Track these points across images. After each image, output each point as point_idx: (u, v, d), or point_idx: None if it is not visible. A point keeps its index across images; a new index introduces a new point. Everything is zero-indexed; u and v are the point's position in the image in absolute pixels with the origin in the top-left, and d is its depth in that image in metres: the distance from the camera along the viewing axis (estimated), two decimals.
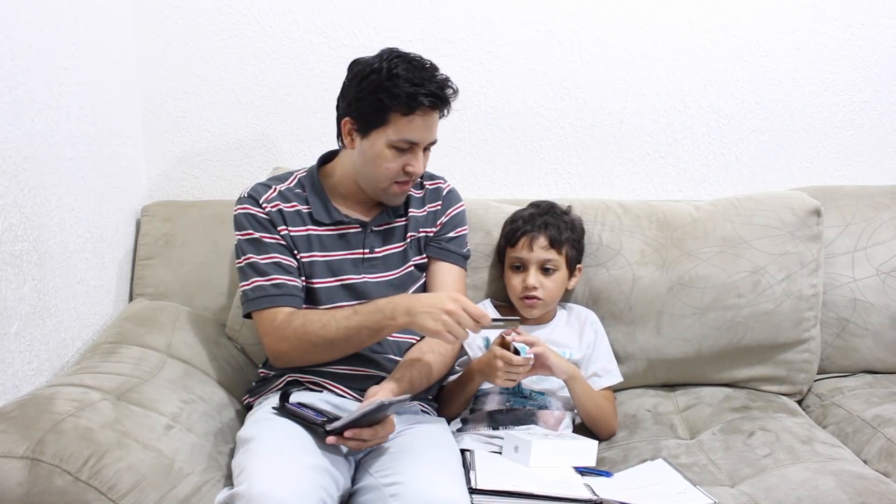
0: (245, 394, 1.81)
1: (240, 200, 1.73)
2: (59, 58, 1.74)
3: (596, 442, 1.68)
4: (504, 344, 1.67)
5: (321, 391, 1.69)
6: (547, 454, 1.60)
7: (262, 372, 1.81)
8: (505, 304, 1.93)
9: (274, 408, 1.57)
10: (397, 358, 1.72)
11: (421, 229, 1.80)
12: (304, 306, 1.70)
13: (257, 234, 1.69)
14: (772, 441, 1.72)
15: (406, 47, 1.68)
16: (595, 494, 1.48)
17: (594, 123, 2.28)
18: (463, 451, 1.63)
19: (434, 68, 1.64)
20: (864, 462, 1.70)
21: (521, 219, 1.89)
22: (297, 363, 1.68)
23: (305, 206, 1.73)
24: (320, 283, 1.71)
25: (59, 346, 1.71)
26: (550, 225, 1.85)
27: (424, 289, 1.81)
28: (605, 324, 1.95)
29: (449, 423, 1.77)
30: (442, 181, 1.88)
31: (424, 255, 1.81)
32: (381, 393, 1.56)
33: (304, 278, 1.71)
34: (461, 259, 1.84)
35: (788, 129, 2.31)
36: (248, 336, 1.98)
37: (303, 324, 1.62)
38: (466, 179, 2.26)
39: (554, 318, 1.92)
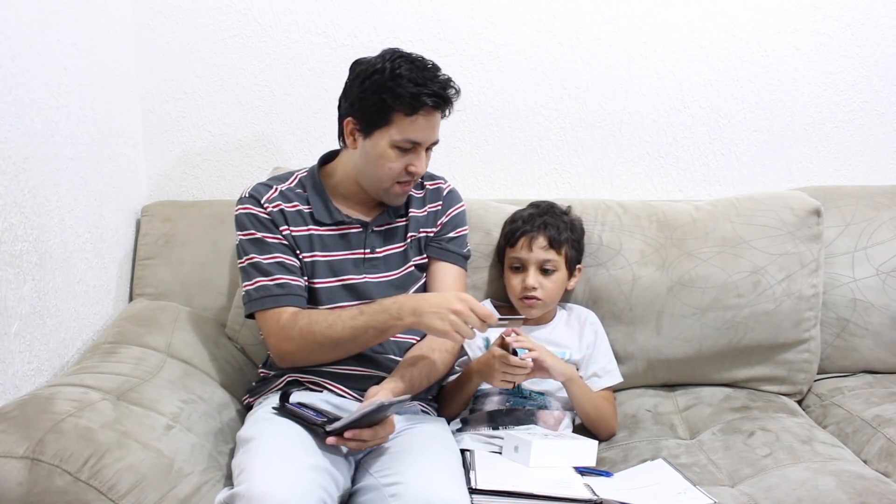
0: (245, 394, 1.81)
1: (241, 200, 1.73)
2: (59, 58, 1.74)
3: (596, 442, 1.68)
4: (503, 345, 1.67)
5: (321, 391, 1.69)
6: (547, 454, 1.60)
7: (262, 372, 1.81)
8: (505, 304, 1.93)
9: (274, 408, 1.57)
10: (398, 358, 1.72)
11: (421, 229, 1.80)
12: (307, 306, 1.70)
13: (259, 234, 1.69)
14: (772, 441, 1.72)
15: (406, 47, 1.68)
16: (595, 494, 1.48)
17: (594, 123, 2.28)
18: (463, 451, 1.63)
19: (436, 68, 1.64)
20: (864, 462, 1.70)
21: (521, 219, 1.89)
22: (302, 363, 1.68)
23: (306, 206, 1.73)
24: (321, 283, 1.71)
25: (59, 346, 1.71)
26: (550, 225, 1.85)
27: (424, 289, 1.81)
28: (605, 324, 1.95)
29: (449, 423, 1.77)
30: (442, 181, 1.88)
31: (425, 256, 1.81)
32: (381, 393, 1.56)
33: (306, 278, 1.71)
34: (461, 259, 1.84)
35: (788, 129, 2.31)
36: (248, 336, 1.98)
37: (308, 323, 1.62)
38: (466, 179, 2.26)
39: (554, 318, 1.92)
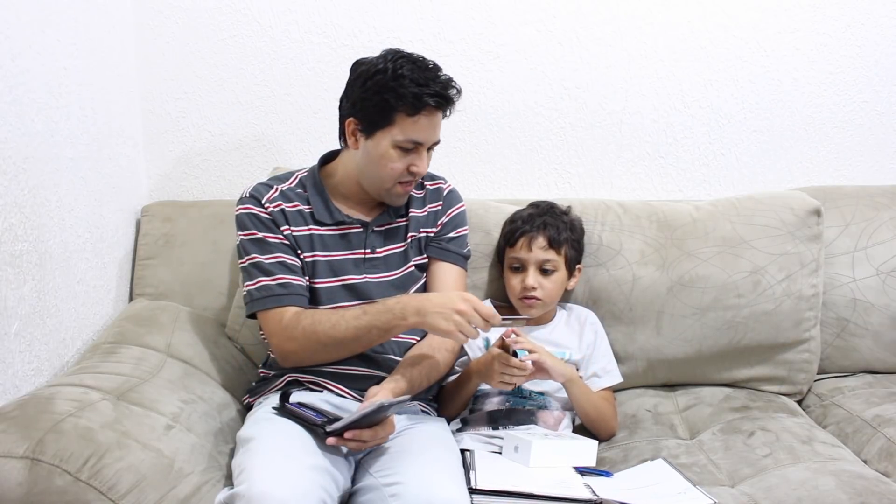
0: (245, 394, 1.81)
1: (241, 200, 1.73)
2: (59, 58, 1.74)
3: (596, 442, 1.68)
4: (504, 346, 1.67)
5: (321, 391, 1.69)
6: (547, 454, 1.60)
7: (262, 372, 1.81)
8: (505, 304, 1.93)
9: (274, 408, 1.58)
10: (398, 358, 1.72)
11: (421, 229, 1.80)
12: (309, 306, 1.70)
13: (261, 234, 1.69)
14: (772, 441, 1.72)
15: (406, 47, 1.69)
16: (595, 494, 1.48)
17: (594, 123, 2.28)
18: (463, 451, 1.63)
19: (438, 68, 1.65)
20: (864, 462, 1.70)
21: (521, 219, 1.89)
22: (305, 363, 1.68)
23: (307, 206, 1.73)
24: (321, 282, 1.71)
25: (59, 346, 1.71)
26: (549, 225, 1.85)
27: (425, 289, 1.81)
28: (605, 324, 1.95)
29: (449, 423, 1.77)
30: (442, 181, 1.88)
31: (425, 256, 1.81)
32: (381, 393, 1.56)
33: (307, 277, 1.71)
34: (461, 259, 1.84)
35: (788, 129, 2.31)
36: (248, 336, 1.98)
37: (311, 323, 1.62)
38: (466, 179, 2.26)
39: (554, 318, 1.92)
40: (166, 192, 2.26)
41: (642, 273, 1.97)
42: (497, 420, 1.78)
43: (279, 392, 1.62)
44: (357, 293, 1.72)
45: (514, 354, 1.66)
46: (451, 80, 1.65)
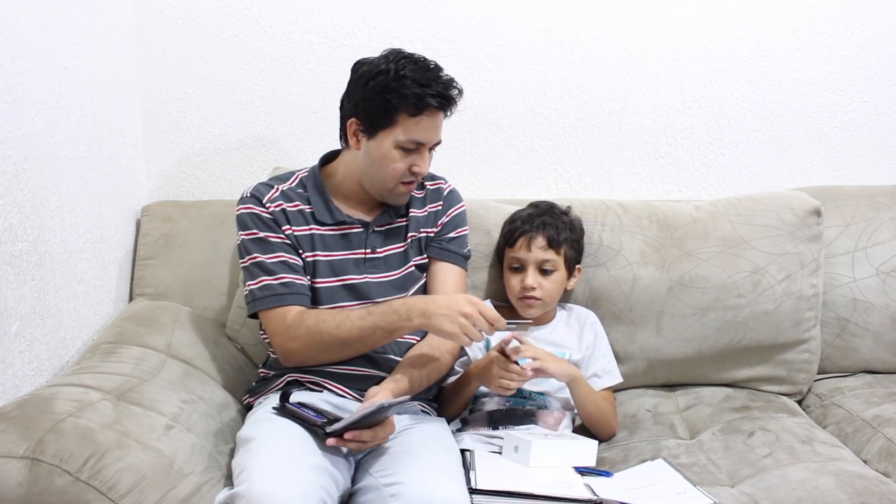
0: (245, 394, 1.81)
1: (242, 200, 1.73)
2: (59, 58, 1.74)
3: (596, 442, 1.68)
4: (503, 350, 1.67)
5: (321, 391, 1.69)
6: (547, 454, 1.60)
7: (262, 372, 1.81)
8: (505, 304, 1.93)
9: (274, 408, 1.58)
10: (398, 358, 1.72)
11: (422, 229, 1.80)
12: (311, 306, 1.70)
13: (262, 234, 1.69)
14: (772, 441, 1.72)
15: (406, 47, 1.69)
16: (595, 494, 1.48)
17: (594, 123, 2.28)
18: (463, 451, 1.62)
19: (439, 69, 1.65)
20: (864, 462, 1.70)
21: (520, 219, 1.89)
22: (308, 363, 1.68)
23: (308, 206, 1.73)
24: (322, 282, 1.72)
25: (59, 346, 1.71)
26: (549, 225, 1.85)
27: (425, 289, 1.81)
28: (605, 324, 1.95)
29: (449, 424, 1.77)
30: (443, 181, 1.88)
31: (425, 256, 1.81)
32: (381, 394, 1.56)
33: (308, 277, 1.71)
34: (462, 259, 1.84)
35: (788, 129, 2.31)
36: (248, 336, 1.98)
37: (315, 323, 1.62)
38: (466, 179, 2.26)
39: (554, 318, 1.92)
40: (166, 192, 2.26)
41: (642, 273, 1.97)
42: (497, 420, 1.78)
43: (279, 392, 1.62)
44: (357, 293, 1.72)
45: (515, 361, 1.66)
46: (452, 80, 1.65)
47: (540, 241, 1.83)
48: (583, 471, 1.62)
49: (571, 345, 1.88)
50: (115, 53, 2.06)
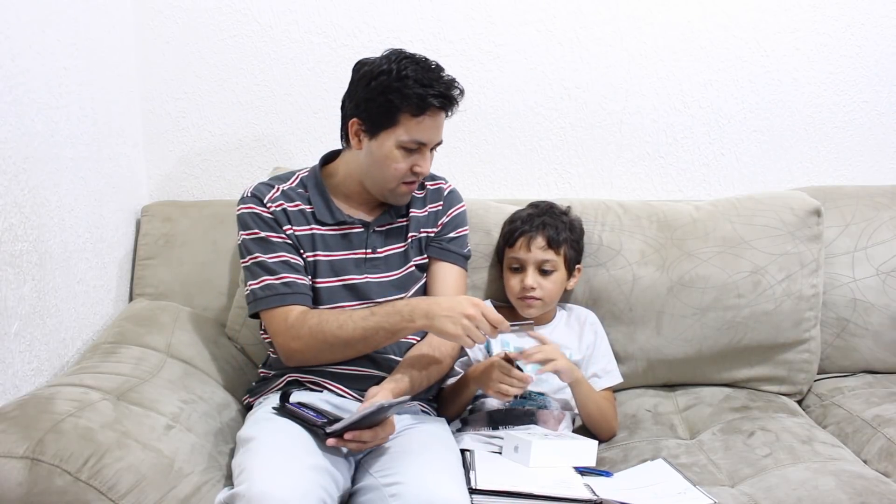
0: (245, 394, 1.81)
1: (243, 200, 1.73)
2: (59, 58, 1.74)
3: (596, 442, 1.68)
4: (507, 357, 1.67)
5: (321, 391, 1.69)
6: (547, 454, 1.60)
7: (262, 372, 1.81)
8: (505, 304, 1.93)
9: (274, 408, 1.58)
10: (398, 358, 1.72)
11: (422, 229, 1.81)
12: (313, 305, 1.70)
13: (264, 234, 1.69)
14: (772, 441, 1.72)
15: (406, 47, 1.69)
16: (595, 494, 1.48)
17: (594, 123, 2.28)
18: (463, 451, 1.62)
19: (440, 69, 1.65)
20: (864, 462, 1.70)
21: (520, 219, 1.89)
22: (310, 362, 1.68)
23: (308, 206, 1.73)
24: (322, 282, 1.72)
25: (59, 346, 1.71)
26: (548, 225, 1.85)
27: (425, 289, 1.81)
28: (605, 324, 1.95)
29: (449, 424, 1.77)
30: (443, 182, 1.88)
31: (425, 256, 1.81)
32: (381, 394, 1.56)
33: (309, 277, 1.71)
34: (462, 259, 1.84)
35: (788, 129, 2.31)
36: (248, 336, 1.98)
37: (318, 323, 1.62)
38: (466, 179, 2.26)
39: (554, 318, 1.92)
40: (166, 192, 2.26)
41: (642, 273, 1.97)
42: (497, 420, 1.78)
43: (279, 392, 1.62)
44: (358, 293, 1.72)
45: (518, 367, 1.65)
46: (454, 80, 1.65)
47: (540, 241, 1.83)
48: (583, 471, 1.62)
49: (571, 345, 1.88)
50: (115, 53, 2.06)
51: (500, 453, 1.66)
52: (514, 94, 2.26)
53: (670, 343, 1.98)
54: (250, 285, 1.69)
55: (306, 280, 1.70)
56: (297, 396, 1.60)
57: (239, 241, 1.72)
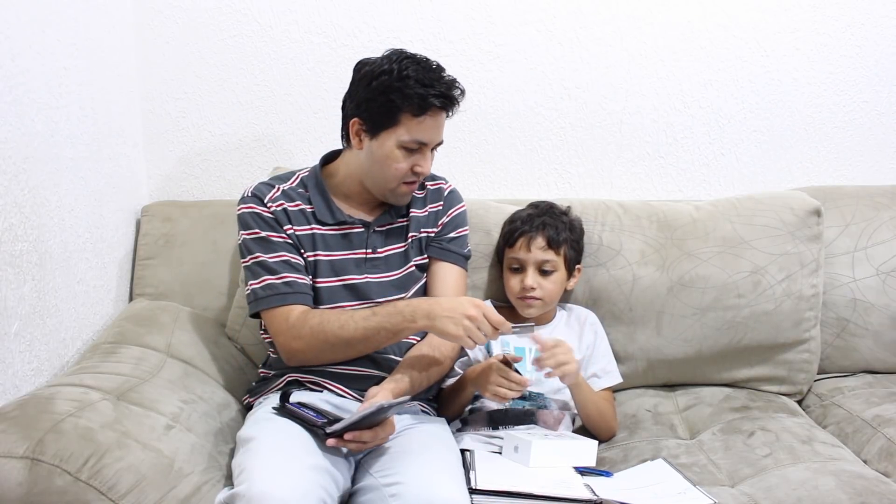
0: (245, 394, 1.81)
1: (243, 200, 1.73)
2: (59, 58, 1.74)
3: (596, 442, 1.68)
4: (506, 359, 1.67)
5: (321, 391, 1.69)
6: (547, 454, 1.60)
7: (262, 372, 1.81)
8: (505, 304, 1.93)
9: (274, 408, 1.58)
10: (398, 358, 1.72)
11: (422, 229, 1.81)
12: (314, 305, 1.70)
13: (264, 233, 1.69)
14: (772, 441, 1.72)
15: (406, 47, 1.69)
16: (595, 494, 1.48)
17: (594, 123, 2.28)
18: (463, 451, 1.62)
19: (441, 69, 1.65)
20: (864, 462, 1.70)
21: (520, 219, 1.88)
22: (311, 362, 1.68)
23: (309, 206, 1.73)
24: (323, 282, 1.72)
25: (59, 346, 1.71)
26: (548, 225, 1.85)
27: (425, 289, 1.81)
28: (605, 324, 1.95)
29: (449, 424, 1.77)
30: (443, 182, 1.88)
31: (425, 256, 1.81)
32: (381, 394, 1.56)
33: (310, 277, 1.71)
34: (462, 259, 1.84)
35: (788, 129, 2.31)
36: (248, 336, 1.98)
37: (319, 323, 1.63)
38: (466, 179, 2.26)
39: (554, 318, 1.92)
40: (166, 192, 2.26)
41: (642, 273, 1.97)
42: (497, 420, 1.78)
43: (279, 392, 1.62)
44: (358, 293, 1.72)
45: (516, 370, 1.65)
46: (455, 80, 1.65)
47: (540, 241, 1.83)
48: (583, 471, 1.62)
49: (571, 345, 1.87)
50: (115, 53, 2.06)
51: (500, 453, 1.66)
52: (514, 94, 2.26)
53: (670, 343, 1.98)
54: (251, 285, 1.69)
55: (307, 280, 1.70)
56: (297, 396, 1.60)
57: (239, 241, 1.72)
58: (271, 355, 1.79)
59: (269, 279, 1.67)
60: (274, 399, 1.61)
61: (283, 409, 1.56)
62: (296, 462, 1.41)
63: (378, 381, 1.64)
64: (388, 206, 1.77)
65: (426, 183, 1.85)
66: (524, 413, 1.79)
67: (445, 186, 1.87)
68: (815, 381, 2.06)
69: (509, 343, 1.82)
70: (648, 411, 1.92)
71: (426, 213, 1.82)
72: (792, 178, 2.32)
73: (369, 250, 1.74)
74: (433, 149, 1.70)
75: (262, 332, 1.79)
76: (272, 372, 1.77)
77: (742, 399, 1.95)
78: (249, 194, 1.73)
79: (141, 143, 2.22)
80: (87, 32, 1.89)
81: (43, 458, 1.29)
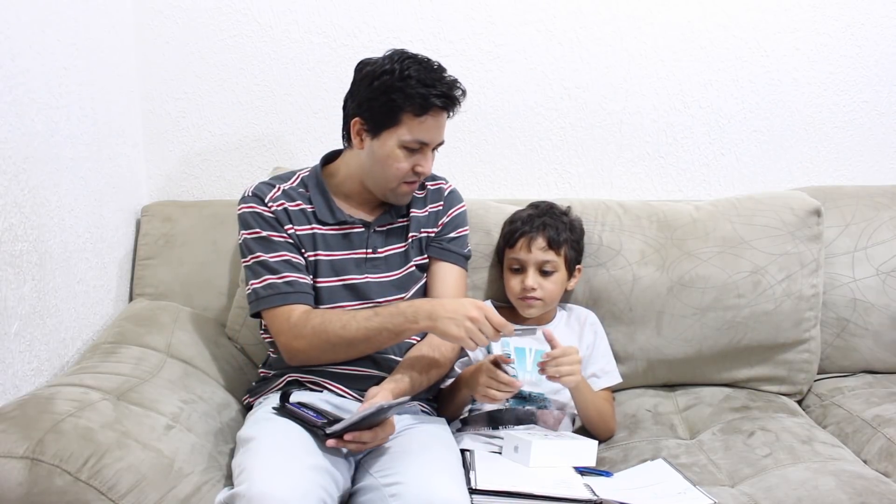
0: (245, 394, 1.81)
1: (244, 199, 1.73)
2: (59, 58, 1.74)
3: (596, 442, 1.68)
4: (496, 361, 1.66)
5: (321, 391, 1.69)
6: (547, 454, 1.60)
7: (262, 372, 1.81)
8: (505, 304, 1.93)
9: (274, 408, 1.58)
10: (398, 358, 1.72)
11: (422, 229, 1.81)
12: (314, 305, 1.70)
13: (265, 233, 1.69)
14: (772, 441, 1.72)
15: (406, 47, 1.69)
16: (595, 494, 1.48)
17: (594, 123, 2.28)
18: (463, 451, 1.62)
19: (442, 69, 1.66)
20: (864, 462, 1.70)
21: (520, 220, 1.88)
22: (313, 362, 1.68)
23: (309, 206, 1.73)
24: (323, 282, 1.72)
25: (59, 346, 1.71)
26: (549, 226, 1.85)
27: (425, 289, 1.81)
28: (605, 324, 1.95)
29: (449, 424, 1.77)
30: (444, 182, 1.88)
31: (426, 256, 1.82)
32: (381, 394, 1.56)
33: (311, 276, 1.71)
34: (462, 259, 1.84)
35: (788, 129, 2.31)
36: (248, 336, 1.98)
37: (321, 322, 1.63)
38: (466, 179, 2.26)
39: (554, 318, 1.92)
40: (166, 192, 2.26)
41: (642, 273, 1.97)
42: (497, 420, 1.78)
43: (279, 392, 1.62)
44: (358, 293, 1.72)
45: (506, 371, 1.65)
46: (456, 80, 1.66)
47: (540, 241, 1.83)
48: (583, 471, 1.62)
49: (571, 345, 1.88)
50: (115, 53, 2.06)
51: (500, 453, 1.66)
52: (514, 94, 2.26)
53: (670, 343, 1.98)
54: (252, 284, 1.69)
55: (308, 279, 1.70)
56: (297, 396, 1.60)
57: (240, 241, 1.72)
58: (271, 355, 1.79)
59: (271, 279, 1.67)
60: (274, 399, 1.61)
61: (283, 409, 1.56)
62: (296, 462, 1.41)
63: (378, 381, 1.64)
64: (388, 206, 1.77)
65: (426, 183, 1.85)
66: (524, 413, 1.79)
67: (446, 186, 1.87)
68: (815, 381, 2.06)
69: (509, 343, 1.82)
70: (648, 411, 1.92)
71: (426, 213, 1.82)
72: (792, 178, 2.32)
73: (369, 250, 1.74)
74: (434, 149, 1.70)
75: (262, 332, 1.79)
76: (272, 372, 1.77)
77: (742, 399, 1.95)
78: (250, 194, 1.73)
79: (141, 143, 2.22)
80: (87, 32, 1.89)
81: (43, 458, 1.29)
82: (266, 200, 1.71)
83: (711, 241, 1.98)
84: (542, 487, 1.47)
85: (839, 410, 1.92)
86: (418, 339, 1.76)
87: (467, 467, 1.55)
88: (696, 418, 1.89)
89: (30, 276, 1.59)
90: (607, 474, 1.64)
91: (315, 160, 1.81)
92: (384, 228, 1.77)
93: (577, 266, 1.92)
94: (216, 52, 2.20)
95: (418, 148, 1.66)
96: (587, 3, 2.21)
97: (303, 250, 1.71)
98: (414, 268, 1.80)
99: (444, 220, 1.83)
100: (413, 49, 1.68)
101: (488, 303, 1.94)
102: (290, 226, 1.70)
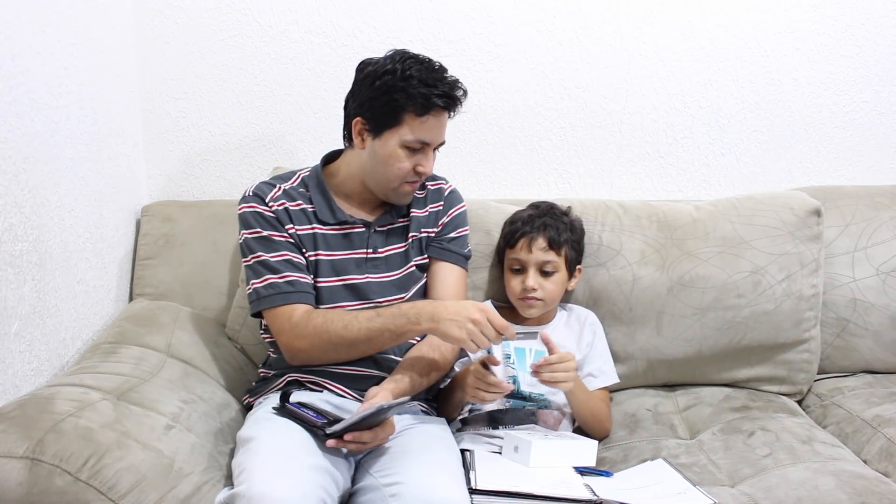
0: (245, 394, 1.81)
1: (245, 199, 1.73)
2: (59, 58, 1.74)
3: (596, 442, 1.68)
4: (484, 362, 1.66)
5: (321, 391, 1.69)
6: (547, 454, 1.60)
7: (262, 372, 1.81)
8: (505, 304, 1.93)
9: (274, 408, 1.58)
10: (398, 358, 1.72)
11: (423, 229, 1.81)
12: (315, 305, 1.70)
13: (266, 232, 1.69)
14: (772, 441, 1.72)
15: (406, 47, 1.69)
16: (595, 494, 1.48)
17: (594, 123, 2.28)
18: (463, 451, 1.62)
19: (444, 69, 1.66)
20: (864, 462, 1.70)
21: (521, 220, 1.88)
22: (314, 362, 1.68)
23: (310, 206, 1.73)
24: (323, 282, 1.72)
25: (59, 346, 1.71)
26: (549, 226, 1.85)
27: (425, 289, 1.81)
28: (605, 324, 1.95)
29: (449, 424, 1.77)
30: (444, 182, 1.88)
31: (426, 256, 1.82)
32: (380, 394, 1.56)
33: (312, 276, 1.71)
34: (462, 259, 1.84)
35: (788, 129, 2.31)
36: (248, 336, 1.98)
37: (323, 322, 1.63)
38: (466, 179, 2.26)
39: (554, 318, 1.92)
40: (166, 192, 2.26)
41: (642, 273, 1.97)
42: (497, 420, 1.78)
43: (279, 392, 1.62)
44: (358, 293, 1.72)
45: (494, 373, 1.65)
46: (457, 80, 1.66)
47: (541, 242, 1.83)
48: (583, 471, 1.62)
49: (571, 345, 1.88)
50: (115, 53, 2.06)
51: (500, 453, 1.66)
52: (514, 94, 2.26)
53: (670, 343, 1.98)
54: (253, 284, 1.69)
55: (309, 279, 1.70)
56: (297, 396, 1.60)
57: (241, 240, 1.72)
58: (271, 355, 1.79)
59: (272, 278, 1.67)
60: (274, 399, 1.61)
61: (283, 409, 1.56)
62: (296, 462, 1.41)
63: (378, 381, 1.64)
64: (388, 205, 1.77)
65: (427, 183, 1.85)
66: (524, 413, 1.79)
67: (446, 186, 1.87)
68: (815, 381, 2.06)
69: (510, 344, 1.82)
70: (648, 411, 1.92)
71: (427, 213, 1.82)
72: (792, 178, 2.33)
73: (370, 250, 1.74)
74: (436, 149, 1.71)
75: (262, 331, 1.79)
76: (272, 372, 1.77)
77: (742, 399, 1.95)
78: (251, 193, 1.73)
79: (141, 143, 2.22)
80: (87, 32, 1.89)
81: (43, 458, 1.29)
82: (267, 200, 1.71)
83: (711, 241, 1.98)
84: (542, 487, 1.48)
85: (839, 410, 1.92)
86: (418, 339, 1.76)
87: (467, 467, 1.55)
88: (696, 418, 1.89)
89: (30, 276, 1.59)
90: (607, 474, 1.64)
91: (315, 160, 1.81)
92: (384, 228, 1.77)
93: (578, 266, 1.92)
94: (216, 52, 2.20)
95: (420, 148, 1.66)
96: (587, 3, 2.21)
97: (303, 250, 1.71)
98: (414, 268, 1.80)
99: (445, 220, 1.83)
100: (413, 49, 1.68)
101: (489, 303, 1.94)
102: (291, 225, 1.71)
